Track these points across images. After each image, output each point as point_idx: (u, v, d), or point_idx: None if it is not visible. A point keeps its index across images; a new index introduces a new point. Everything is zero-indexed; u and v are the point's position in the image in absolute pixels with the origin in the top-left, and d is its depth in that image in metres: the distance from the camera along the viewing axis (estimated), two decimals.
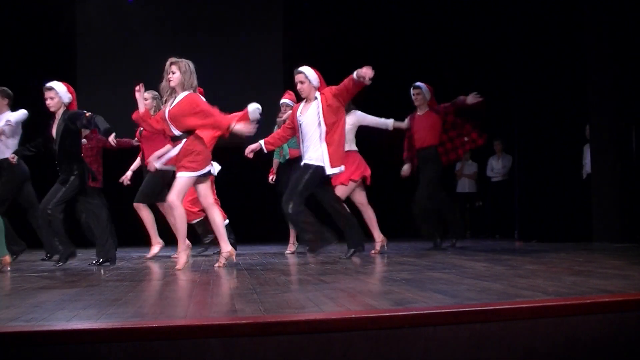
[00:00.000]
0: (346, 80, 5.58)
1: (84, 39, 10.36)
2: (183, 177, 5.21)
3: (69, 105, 5.80)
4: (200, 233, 7.14)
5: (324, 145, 5.62)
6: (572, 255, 5.44)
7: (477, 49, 10.57)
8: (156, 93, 6.65)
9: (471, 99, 6.77)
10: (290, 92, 7.09)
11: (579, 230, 7.64)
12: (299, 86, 5.78)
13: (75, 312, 2.87)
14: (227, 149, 6.86)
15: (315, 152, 5.66)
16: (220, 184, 9.55)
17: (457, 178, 10.75)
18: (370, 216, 6.60)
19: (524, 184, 8.28)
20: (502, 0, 9.01)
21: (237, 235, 7.25)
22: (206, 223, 6.67)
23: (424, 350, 2.44)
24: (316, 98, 5.71)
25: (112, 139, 5.78)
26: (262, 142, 5.98)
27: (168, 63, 5.24)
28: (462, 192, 10.72)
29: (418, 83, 7.09)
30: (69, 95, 5.80)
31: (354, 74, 5.46)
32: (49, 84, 5.76)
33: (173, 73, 5.21)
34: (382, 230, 6.61)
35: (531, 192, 8.15)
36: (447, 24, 10.72)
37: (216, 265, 5.35)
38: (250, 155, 5.95)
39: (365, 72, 5.34)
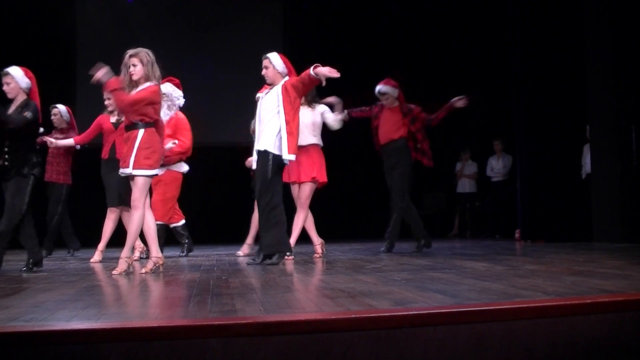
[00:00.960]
0: (304, 74, 5.43)
1: (84, 39, 10.36)
2: (141, 177, 4.84)
3: (30, 92, 5.36)
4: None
5: (284, 133, 5.42)
6: (572, 255, 5.44)
7: (477, 48, 10.57)
8: None
9: (461, 102, 6.55)
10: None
11: (579, 230, 7.64)
12: (263, 71, 5.66)
13: (75, 312, 2.87)
14: (223, 148, 6.87)
15: (269, 139, 5.46)
16: (220, 184, 9.55)
17: (457, 178, 10.77)
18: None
19: (524, 184, 8.28)
20: (503, 0, 9.01)
21: (237, 235, 7.23)
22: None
23: (424, 350, 2.44)
24: (279, 85, 5.59)
25: None
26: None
27: (127, 56, 4.93)
28: (462, 192, 10.74)
29: (382, 88, 6.67)
30: (27, 80, 5.33)
31: (312, 70, 5.32)
32: (5, 70, 5.35)
33: (134, 66, 4.89)
34: (381, 230, 6.57)
35: (531, 192, 8.15)
36: (447, 24, 10.73)
37: (142, 270, 4.97)
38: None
39: (324, 72, 5.24)
